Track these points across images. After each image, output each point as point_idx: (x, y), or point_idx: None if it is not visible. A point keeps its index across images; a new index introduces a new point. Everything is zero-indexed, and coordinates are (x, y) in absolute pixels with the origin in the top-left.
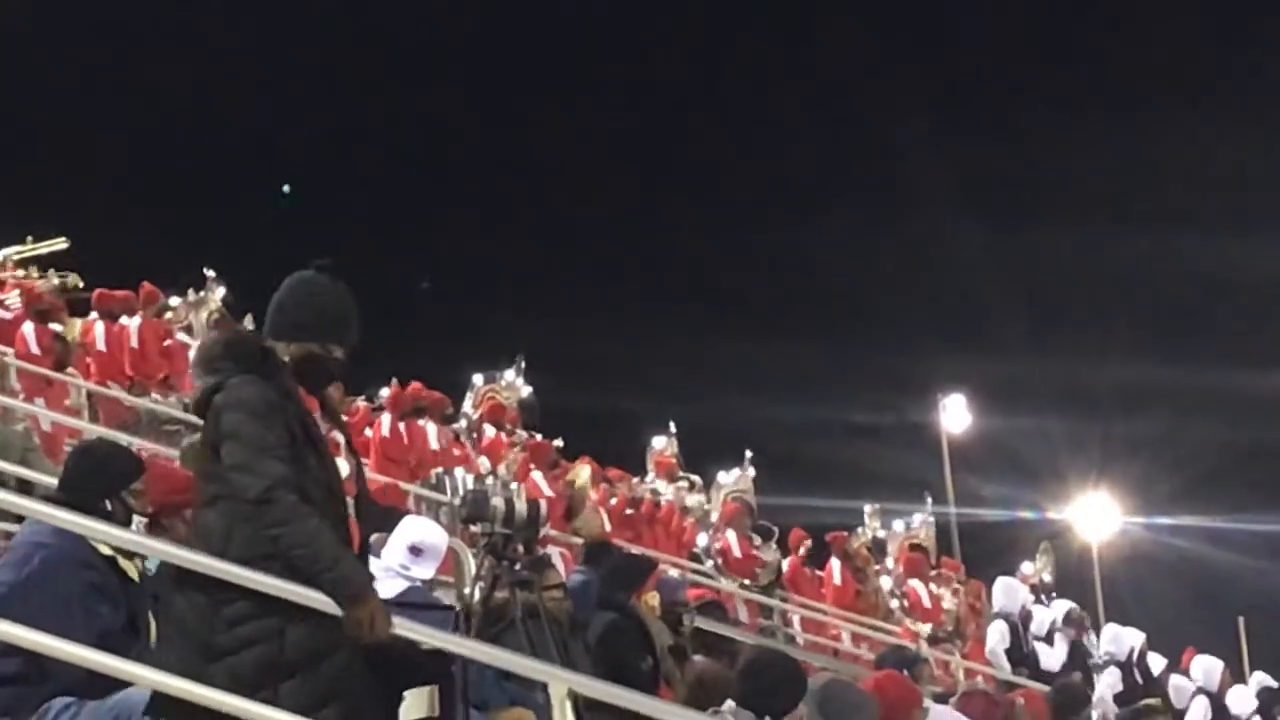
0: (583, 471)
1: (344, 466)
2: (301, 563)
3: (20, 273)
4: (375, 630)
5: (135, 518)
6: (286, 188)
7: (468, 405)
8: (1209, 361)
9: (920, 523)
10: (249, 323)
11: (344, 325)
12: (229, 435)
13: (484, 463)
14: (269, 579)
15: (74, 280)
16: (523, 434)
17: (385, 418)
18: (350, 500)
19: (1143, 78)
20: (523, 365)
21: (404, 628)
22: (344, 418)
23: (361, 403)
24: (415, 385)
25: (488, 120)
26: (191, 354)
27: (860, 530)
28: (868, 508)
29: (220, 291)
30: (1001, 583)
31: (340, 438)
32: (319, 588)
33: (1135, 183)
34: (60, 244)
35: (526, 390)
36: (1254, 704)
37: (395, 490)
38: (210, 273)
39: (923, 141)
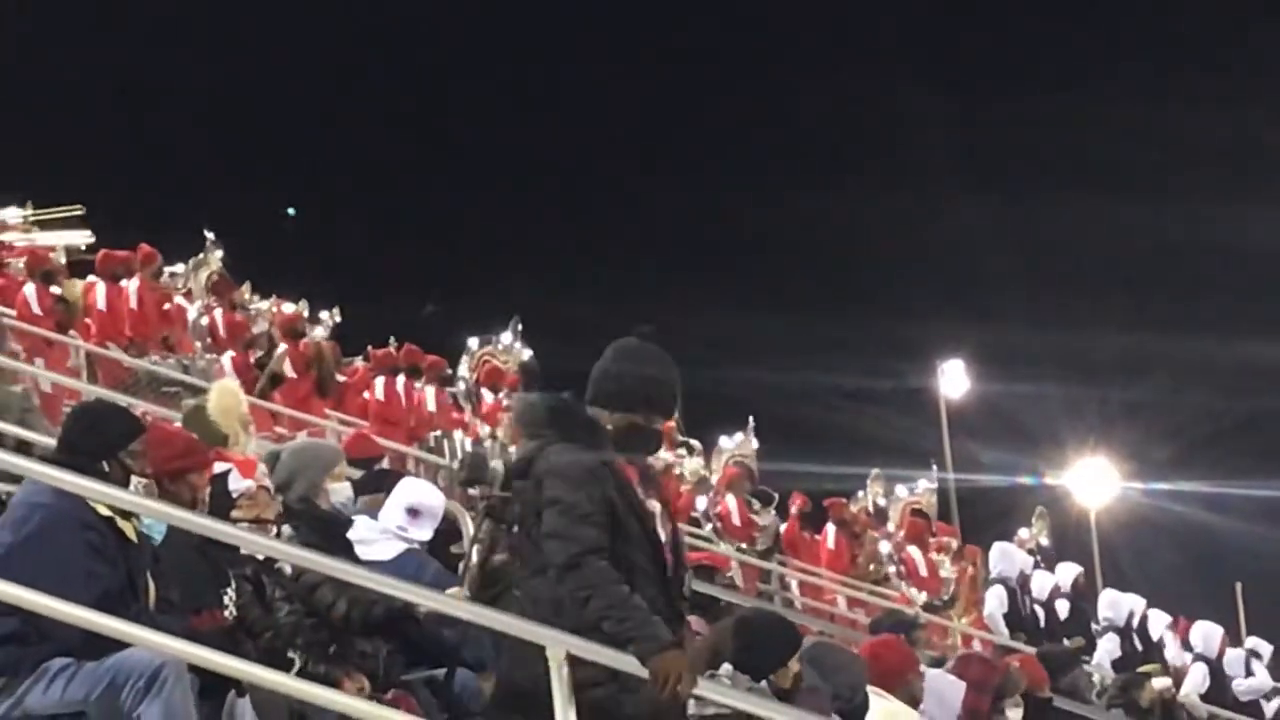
0: None
1: (663, 533)
2: (609, 625)
3: (28, 236)
4: (680, 688)
5: (133, 478)
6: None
7: (464, 369)
8: (1208, 327)
9: (923, 489)
10: (248, 290)
11: (668, 398)
12: (549, 502)
13: (484, 427)
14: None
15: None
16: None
17: (379, 381)
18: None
19: (1143, 48)
20: (519, 328)
21: (402, 589)
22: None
23: (360, 363)
24: (409, 347)
25: (488, 84)
26: (190, 315)
27: (861, 495)
28: (871, 473)
29: (219, 254)
30: (999, 548)
31: (657, 506)
32: (625, 648)
33: (1135, 152)
34: (77, 210)
35: (526, 354)
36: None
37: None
38: (210, 235)
39: (923, 110)
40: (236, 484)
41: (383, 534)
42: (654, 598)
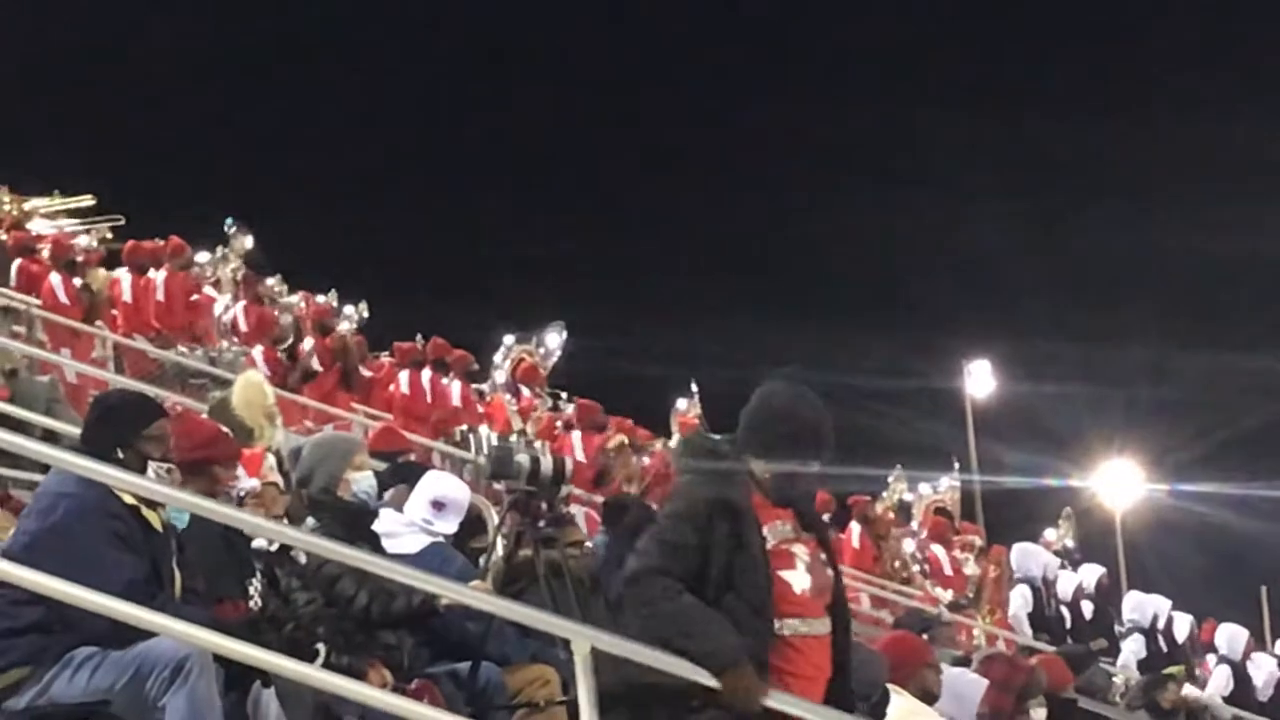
0: (620, 438)
1: (804, 578)
2: (675, 638)
3: (54, 225)
4: (749, 698)
5: (151, 464)
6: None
7: (500, 359)
8: (1234, 329)
9: (946, 488)
10: (278, 282)
11: (818, 442)
12: (648, 529)
13: (516, 421)
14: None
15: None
16: (547, 396)
17: (404, 375)
18: (826, 607)
19: (1169, 58)
20: (564, 335)
21: (426, 581)
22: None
23: (386, 358)
24: (436, 340)
25: (516, 86)
26: (217, 309)
27: (885, 495)
28: (895, 472)
29: (247, 240)
30: (1020, 548)
31: (803, 550)
32: (691, 659)
33: (1162, 159)
34: (87, 200)
35: (557, 335)
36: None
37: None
38: (231, 225)
39: (952, 118)
40: (244, 483)
41: (408, 527)
42: (746, 644)
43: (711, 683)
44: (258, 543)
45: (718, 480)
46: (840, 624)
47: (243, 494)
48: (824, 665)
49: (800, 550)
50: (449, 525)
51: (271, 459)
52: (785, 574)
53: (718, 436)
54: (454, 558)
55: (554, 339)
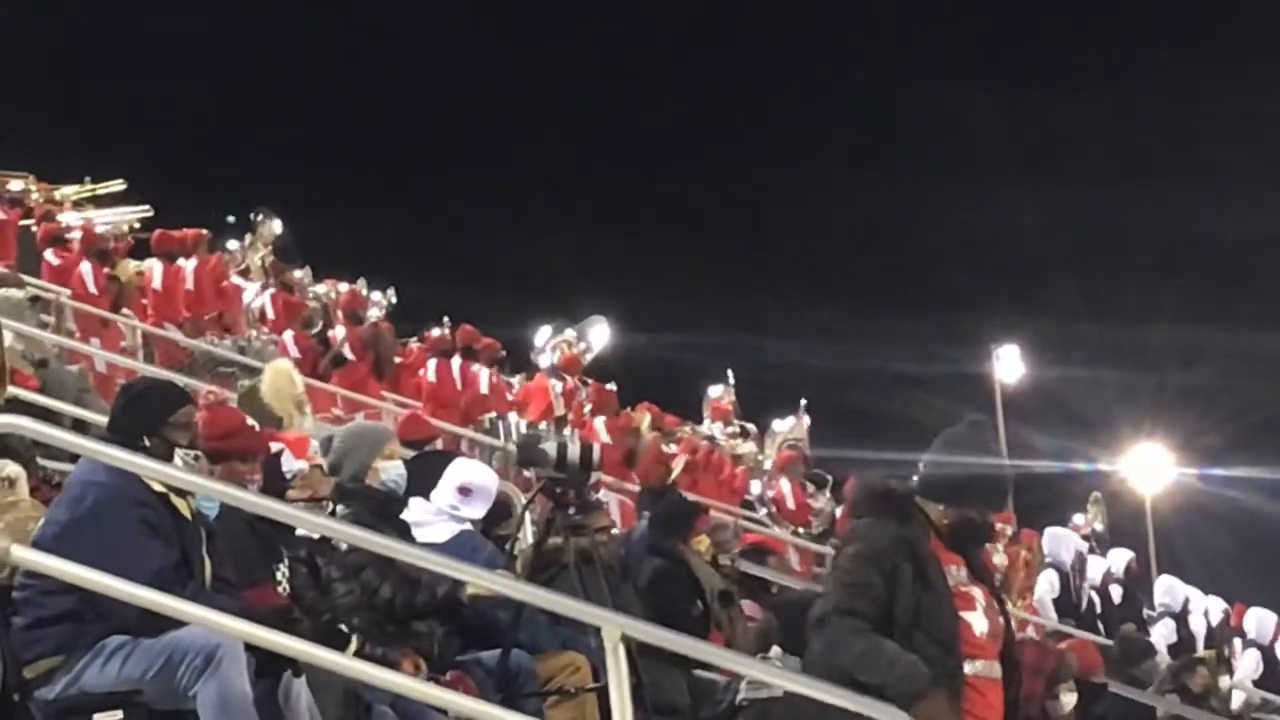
0: (644, 419)
1: (983, 621)
2: (863, 676)
3: (82, 216)
4: None
5: (178, 452)
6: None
7: (543, 343)
8: (1263, 312)
9: None
10: (306, 274)
11: (1000, 495)
12: (834, 565)
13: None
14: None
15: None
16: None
17: (432, 363)
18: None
19: (1196, 40)
20: (605, 329)
21: (456, 570)
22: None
23: (415, 344)
24: (465, 328)
25: (553, 75)
26: (246, 297)
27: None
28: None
29: (275, 226)
30: (1051, 533)
31: (979, 593)
32: (882, 693)
33: (1187, 140)
34: (118, 185)
35: (598, 327)
36: None
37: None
38: (257, 214)
39: (977, 101)
40: (290, 464)
41: (437, 515)
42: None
43: (903, 716)
44: (302, 530)
45: (897, 521)
46: (1011, 670)
47: (291, 475)
48: (998, 709)
49: (977, 593)
50: (476, 511)
51: (315, 442)
52: (966, 615)
53: (890, 476)
54: (483, 545)
55: (597, 334)
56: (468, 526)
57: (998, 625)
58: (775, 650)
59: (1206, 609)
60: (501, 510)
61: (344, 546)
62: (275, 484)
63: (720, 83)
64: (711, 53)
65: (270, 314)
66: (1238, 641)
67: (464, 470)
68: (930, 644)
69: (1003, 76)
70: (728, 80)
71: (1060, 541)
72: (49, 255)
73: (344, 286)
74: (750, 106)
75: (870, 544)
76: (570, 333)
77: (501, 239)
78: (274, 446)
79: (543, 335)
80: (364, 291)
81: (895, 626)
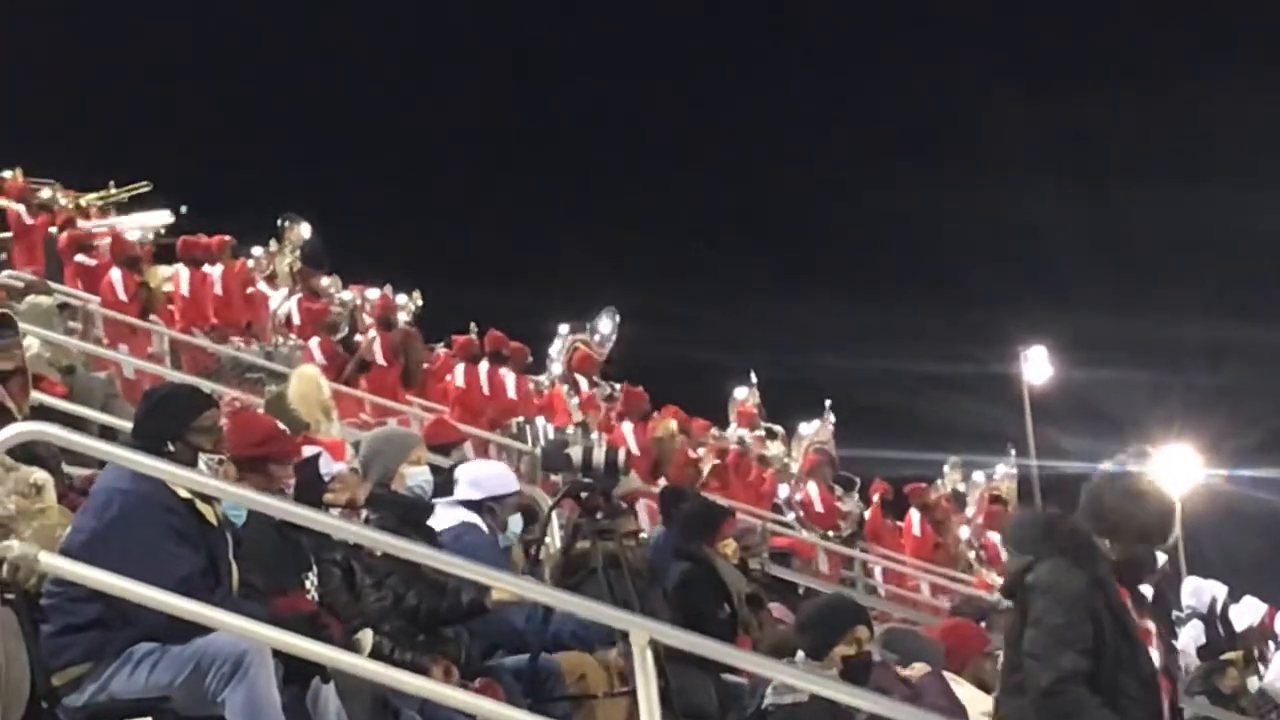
0: (669, 424)
1: (1156, 654)
2: None
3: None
4: None
5: (203, 457)
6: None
7: (555, 352)
8: None
9: (1002, 474)
10: (334, 281)
11: (1166, 531)
12: (1033, 622)
13: (577, 414)
14: None
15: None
16: (605, 386)
17: (460, 367)
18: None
19: (1224, 37)
20: (617, 319)
21: (484, 575)
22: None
23: (442, 350)
24: (494, 333)
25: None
26: (273, 303)
27: (939, 483)
28: (951, 459)
29: (303, 230)
30: None
31: (1151, 627)
32: None
33: (1216, 138)
34: (144, 187)
35: (608, 326)
36: None
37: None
38: (285, 220)
39: (1005, 99)
40: (328, 467)
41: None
42: None
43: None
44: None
45: (1077, 559)
46: (1171, 700)
47: (330, 477)
48: None
49: (1150, 627)
50: (465, 492)
51: (350, 448)
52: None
53: (1059, 513)
54: (482, 542)
55: (607, 323)
56: (471, 519)
57: (1165, 659)
58: (800, 655)
59: (1230, 603)
60: (528, 515)
61: (377, 552)
62: (314, 487)
63: (744, 83)
64: (734, 51)
65: (296, 319)
66: (1271, 644)
67: (472, 465)
68: (1135, 684)
69: (1031, 75)
70: (751, 81)
71: None
72: (78, 259)
73: (371, 293)
74: (778, 105)
75: (1068, 590)
76: (588, 330)
77: (520, 237)
78: (310, 450)
79: (560, 334)
80: (390, 294)
81: (1102, 665)
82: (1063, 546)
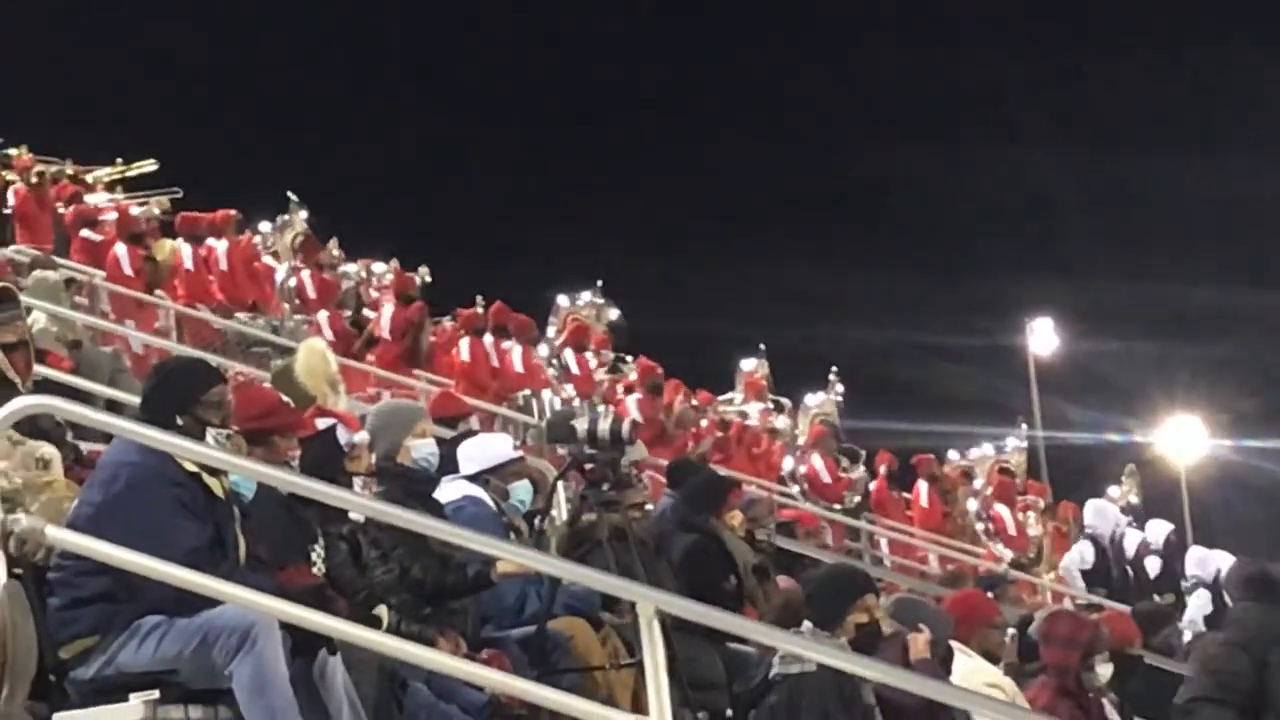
0: (678, 400)
1: None
2: None
3: (110, 198)
4: None
5: (211, 431)
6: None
7: (551, 330)
8: None
9: (1012, 448)
10: (335, 247)
11: None
12: (1203, 650)
13: (568, 387)
14: None
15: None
16: (611, 356)
17: (464, 342)
18: None
19: (1232, 3)
20: (600, 286)
21: (490, 546)
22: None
23: (448, 323)
24: (498, 305)
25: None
26: (278, 277)
27: (952, 456)
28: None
29: (303, 214)
30: (1094, 504)
31: None
32: None
33: (1222, 106)
34: (149, 165)
35: (614, 313)
36: None
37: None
38: (293, 196)
39: (1011, 67)
40: (346, 436)
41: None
42: None
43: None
44: (355, 515)
45: (1270, 605)
46: None
47: (350, 446)
48: None
49: None
50: (469, 466)
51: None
52: None
53: (1267, 563)
54: (484, 514)
55: (588, 294)
56: (474, 492)
57: None
58: (807, 625)
59: None
60: (540, 487)
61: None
62: (333, 457)
63: (751, 50)
64: (741, 17)
65: (311, 293)
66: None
67: (471, 440)
68: None
69: (1035, 43)
70: (759, 48)
71: (1102, 514)
72: (84, 235)
73: (377, 266)
74: (781, 76)
75: (1243, 632)
76: (581, 299)
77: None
78: (324, 421)
79: (556, 305)
80: (397, 266)
81: (1268, 708)
82: (1259, 593)
